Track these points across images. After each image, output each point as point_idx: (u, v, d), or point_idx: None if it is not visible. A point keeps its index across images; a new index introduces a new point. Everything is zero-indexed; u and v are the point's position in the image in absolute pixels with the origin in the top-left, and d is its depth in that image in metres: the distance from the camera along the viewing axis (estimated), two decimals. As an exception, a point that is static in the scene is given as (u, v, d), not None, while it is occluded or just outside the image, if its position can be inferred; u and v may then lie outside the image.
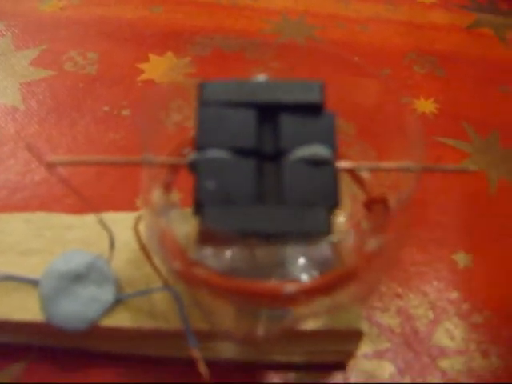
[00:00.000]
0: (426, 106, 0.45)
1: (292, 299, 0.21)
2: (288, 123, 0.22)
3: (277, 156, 0.21)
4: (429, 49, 0.51)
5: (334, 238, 0.27)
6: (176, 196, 0.31)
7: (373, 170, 0.26)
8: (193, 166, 0.21)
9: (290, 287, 0.21)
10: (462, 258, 0.35)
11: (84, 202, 0.25)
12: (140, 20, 0.51)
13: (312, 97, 0.22)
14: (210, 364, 0.26)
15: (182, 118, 0.28)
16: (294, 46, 0.49)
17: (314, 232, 0.20)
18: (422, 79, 0.48)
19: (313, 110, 0.22)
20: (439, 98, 0.46)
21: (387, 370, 0.30)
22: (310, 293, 0.21)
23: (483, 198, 0.39)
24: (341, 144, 0.27)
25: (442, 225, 0.37)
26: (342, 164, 0.22)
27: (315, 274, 0.23)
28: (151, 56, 0.47)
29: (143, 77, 0.45)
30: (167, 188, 0.24)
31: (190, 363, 0.26)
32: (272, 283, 0.21)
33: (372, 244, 0.23)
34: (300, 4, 0.55)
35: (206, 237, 0.21)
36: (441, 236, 0.36)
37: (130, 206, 0.33)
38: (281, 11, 0.54)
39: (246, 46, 0.47)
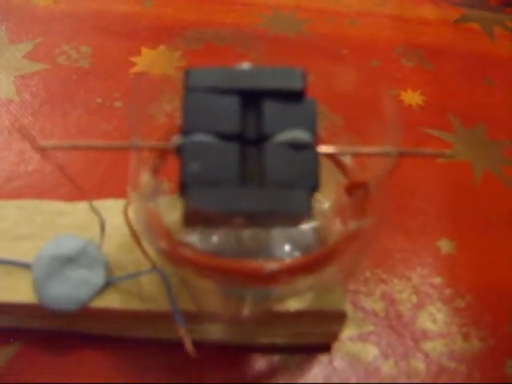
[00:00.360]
0: (412, 98, 0.46)
1: (274, 278, 0.22)
2: (271, 109, 0.23)
3: (260, 140, 0.22)
4: (417, 42, 0.52)
5: (316, 223, 0.28)
6: (166, 185, 0.32)
7: (355, 156, 0.26)
8: (179, 150, 0.22)
9: (272, 265, 0.21)
10: (445, 245, 0.36)
11: (75, 187, 0.26)
12: (132, 14, 0.52)
13: (294, 84, 0.23)
14: (197, 345, 0.27)
15: (172, 109, 0.29)
16: (285, 39, 0.50)
17: (294, 212, 0.21)
18: (410, 72, 0.49)
19: (295, 96, 0.23)
20: (426, 90, 0.47)
21: (371, 352, 0.31)
22: (292, 271, 0.22)
23: (468, 188, 0.40)
24: (328, 134, 0.28)
25: (427, 213, 0.38)
26: (323, 148, 0.23)
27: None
28: (143, 49, 0.48)
29: (135, 69, 0.46)
30: (155, 172, 0.25)
31: (179, 344, 0.27)
32: (254, 262, 0.22)
33: (351, 226, 0.24)
34: (292, -1, 0.56)
35: (190, 218, 0.22)
36: (425, 224, 0.37)
37: (120, 195, 0.34)
38: (272, 6, 0.55)
39: (236, 40, 0.48)
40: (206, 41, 0.49)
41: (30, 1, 0.52)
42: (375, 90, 0.27)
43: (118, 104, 0.43)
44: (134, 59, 0.47)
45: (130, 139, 0.22)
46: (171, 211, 0.25)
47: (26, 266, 0.28)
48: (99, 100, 0.43)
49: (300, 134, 0.22)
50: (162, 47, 0.48)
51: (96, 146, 0.23)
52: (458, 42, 0.53)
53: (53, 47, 0.47)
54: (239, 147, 0.22)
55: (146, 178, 0.24)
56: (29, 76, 0.45)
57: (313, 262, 0.22)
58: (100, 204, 0.28)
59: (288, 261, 0.22)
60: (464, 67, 0.51)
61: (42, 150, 0.22)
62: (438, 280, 0.34)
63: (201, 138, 0.22)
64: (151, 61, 0.47)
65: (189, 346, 0.26)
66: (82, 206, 0.31)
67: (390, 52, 0.51)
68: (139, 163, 0.24)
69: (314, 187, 0.22)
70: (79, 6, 0.52)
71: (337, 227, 0.27)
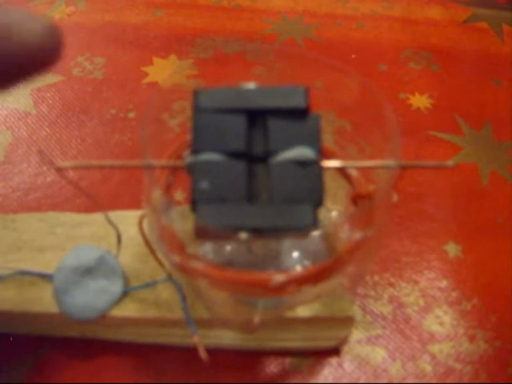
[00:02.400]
0: (420, 101, 0.47)
1: (282, 288, 0.23)
2: (276, 127, 0.24)
3: (266, 157, 0.23)
4: (425, 44, 0.53)
5: (325, 230, 0.29)
6: (180, 195, 0.33)
7: (360, 167, 0.27)
8: (189, 168, 0.23)
9: (279, 277, 0.22)
10: (452, 249, 0.37)
11: (92, 201, 0.27)
12: (144, 24, 0.53)
13: (297, 102, 0.24)
14: (211, 351, 0.28)
15: (185, 119, 0.30)
16: (293, 49, 0.51)
17: (300, 227, 0.22)
18: (418, 75, 0.49)
19: (299, 113, 0.24)
20: (434, 93, 0.48)
21: (380, 354, 0.32)
22: (298, 282, 0.23)
23: (475, 190, 0.41)
24: (336, 141, 0.29)
25: (434, 217, 0.39)
26: (326, 163, 0.24)
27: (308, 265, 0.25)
28: (155, 59, 0.49)
29: (148, 79, 0.47)
30: (168, 188, 0.26)
31: (194, 349, 0.28)
32: (262, 273, 0.23)
33: (357, 236, 0.25)
34: (300, 4, 0.57)
35: (201, 232, 0.23)
36: (432, 227, 0.38)
37: (134, 205, 0.35)
38: (280, 12, 0.56)
39: (246, 48, 0.49)
40: (216, 49, 0.50)
41: (44, 14, 0.53)
42: (378, 103, 0.28)
43: (131, 115, 0.44)
44: (146, 69, 0.48)
45: (143, 159, 0.23)
46: (185, 220, 0.26)
47: (47, 277, 0.30)
48: (113, 111, 0.44)
49: (304, 151, 0.23)
50: (172, 56, 0.49)
51: (110, 165, 0.25)
52: (466, 43, 0.54)
53: (68, 59, 0.49)
54: (246, 165, 0.23)
55: (158, 194, 0.25)
56: (45, 88, 0.46)
57: (319, 273, 0.23)
58: (115, 215, 0.30)
59: (294, 272, 0.23)
60: (472, 68, 0.51)
61: (59, 170, 0.24)
62: (444, 283, 0.35)
63: (210, 156, 0.23)
64: (163, 70, 0.48)
65: (202, 352, 0.27)
66: (98, 217, 0.33)
67: (397, 55, 0.51)
68: (152, 181, 0.25)
69: (318, 202, 0.23)
70: (91, 17, 0.53)
71: (345, 234, 0.28)
